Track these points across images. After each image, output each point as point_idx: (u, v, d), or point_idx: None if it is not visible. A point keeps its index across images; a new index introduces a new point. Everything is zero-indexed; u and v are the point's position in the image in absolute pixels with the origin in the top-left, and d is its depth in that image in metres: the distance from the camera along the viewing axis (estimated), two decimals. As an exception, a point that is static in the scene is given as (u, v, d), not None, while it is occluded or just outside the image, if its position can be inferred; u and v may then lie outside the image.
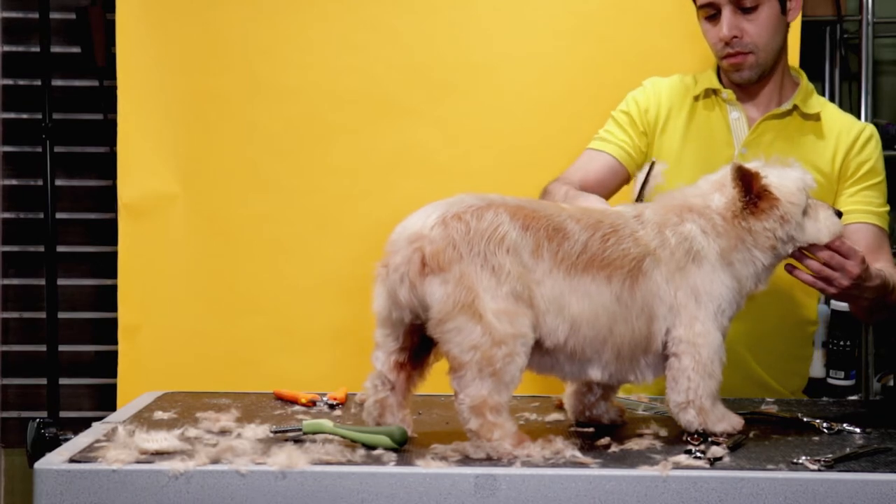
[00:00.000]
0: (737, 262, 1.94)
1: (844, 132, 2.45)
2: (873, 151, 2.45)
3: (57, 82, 3.61)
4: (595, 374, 1.88)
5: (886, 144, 2.54)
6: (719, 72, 2.52)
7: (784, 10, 2.40)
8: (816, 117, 2.46)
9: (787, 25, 2.45)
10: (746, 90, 2.48)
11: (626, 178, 2.50)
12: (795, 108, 2.46)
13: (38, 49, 3.52)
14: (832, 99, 3.76)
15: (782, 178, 1.97)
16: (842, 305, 4.03)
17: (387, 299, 1.81)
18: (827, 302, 2.93)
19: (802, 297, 2.51)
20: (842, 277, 2.05)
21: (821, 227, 1.99)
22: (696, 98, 2.50)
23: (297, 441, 1.80)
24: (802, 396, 2.53)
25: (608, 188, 2.49)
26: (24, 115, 3.71)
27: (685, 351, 1.89)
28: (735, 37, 2.38)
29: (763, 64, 2.42)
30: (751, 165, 1.98)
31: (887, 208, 2.46)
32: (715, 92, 2.49)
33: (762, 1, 2.36)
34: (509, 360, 1.74)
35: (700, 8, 2.42)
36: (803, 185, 1.98)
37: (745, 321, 2.41)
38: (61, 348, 3.58)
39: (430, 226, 1.77)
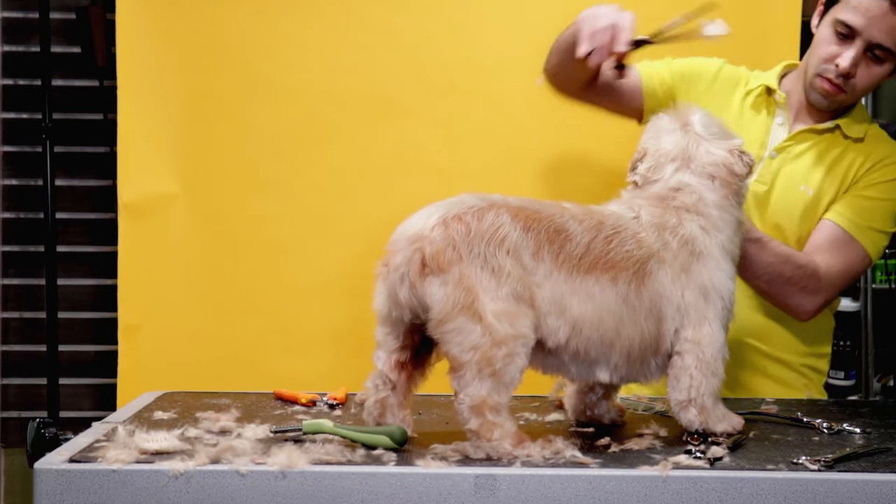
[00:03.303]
0: (734, 245, 1.97)
1: (876, 152, 2.41)
2: (887, 174, 2.40)
3: (57, 82, 3.61)
4: (604, 375, 1.87)
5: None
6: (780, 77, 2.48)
7: (894, 72, 2.37)
8: (860, 140, 2.42)
9: None
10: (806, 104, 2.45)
11: (636, 106, 2.49)
12: (837, 127, 2.42)
13: (38, 49, 3.52)
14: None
15: (722, 128, 2.02)
16: (841, 306, 4.04)
17: (387, 298, 1.81)
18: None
19: None
20: None
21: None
22: (748, 94, 2.47)
23: (297, 441, 1.80)
24: (812, 394, 2.50)
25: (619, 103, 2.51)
26: (24, 115, 3.71)
27: (688, 350, 1.89)
28: (849, 73, 2.33)
29: (846, 104, 2.40)
30: (671, 125, 2.02)
31: (872, 226, 2.37)
32: (769, 91, 2.46)
33: (888, 59, 2.33)
34: (509, 361, 1.74)
35: (839, 21, 2.32)
36: (720, 120, 2.05)
37: (750, 311, 2.41)
38: (61, 348, 3.58)
39: (431, 226, 1.77)
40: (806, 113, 2.45)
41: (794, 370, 2.47)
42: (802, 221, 2.39)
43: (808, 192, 2.38)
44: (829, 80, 2.35)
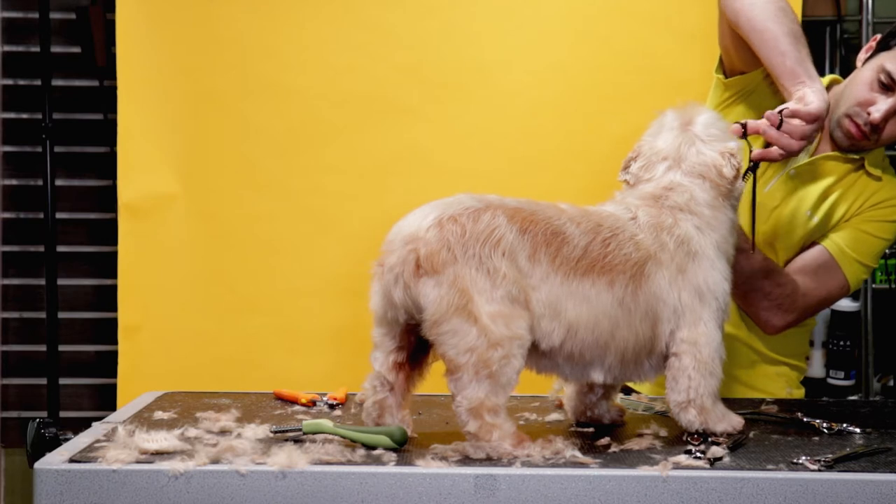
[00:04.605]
0: (729, 245, 1.97)
1: (884, 191, 2.38)
2: (888, 215, 2.37)
3: (57, 82, 3.61)
4: (597, 376, 1.87)
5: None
6: None
7: None
8: (877, 178, 2.38)
9: None
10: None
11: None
12: (862, 159, 2.37)
13: (38, 49, 3.52)
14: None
15: (723, 132, 1.99)
16: (841, 306, 4.04)
17: (382, 298, 1.80)
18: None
19: None
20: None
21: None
22: None
23: (297, 441, 1.80)
24: (792, 390, 2.49)
25: None
26: (24, 115, 3.71)
27: (686, 350, 1.88)
28: (877, 124, 2.26)
29: (865, 149, 2.35)
30: (673, 122, 1.99)
31: (858, 258, 2.35)
32: None
33: None
34: (506, 363, 1.73)
35: (885, 70, 2.24)
36: (725, 124, 2.02)
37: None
38: (61, 348, 3.58)
39: (426, 227, 1.76)
40: (829, 139, 2.38)
41: (773, 364, 2.46)
42: (797, 245, 2.37)
43: (812, 220, 2.35)
44: (857, 125, 2.28)
